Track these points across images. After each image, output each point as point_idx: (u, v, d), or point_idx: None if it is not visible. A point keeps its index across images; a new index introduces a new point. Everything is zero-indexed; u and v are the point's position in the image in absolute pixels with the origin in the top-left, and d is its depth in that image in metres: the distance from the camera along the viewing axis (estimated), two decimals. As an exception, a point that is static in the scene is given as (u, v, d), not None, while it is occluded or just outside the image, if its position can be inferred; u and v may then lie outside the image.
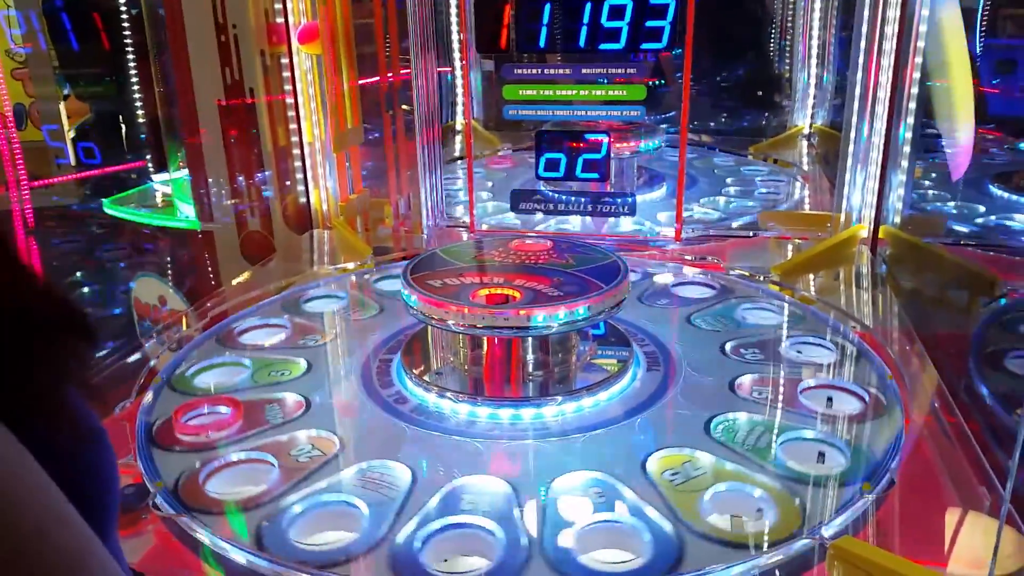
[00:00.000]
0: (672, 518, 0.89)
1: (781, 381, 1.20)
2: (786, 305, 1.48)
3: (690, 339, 1.34)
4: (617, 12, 1.56)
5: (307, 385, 1.22)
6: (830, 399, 1.15)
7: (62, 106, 2.67)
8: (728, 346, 1.30)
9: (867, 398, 1.14)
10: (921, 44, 1.62)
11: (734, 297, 1.51)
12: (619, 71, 1.65)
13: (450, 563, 0.85)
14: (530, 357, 1.19)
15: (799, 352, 1.29)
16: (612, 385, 1.16)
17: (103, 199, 2.44)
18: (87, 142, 2.65)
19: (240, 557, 0.86)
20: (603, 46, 1.60)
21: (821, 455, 1.01)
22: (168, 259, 2.34)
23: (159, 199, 2.47)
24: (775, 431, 1.05)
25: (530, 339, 1.17)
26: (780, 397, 1.16)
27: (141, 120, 2.47)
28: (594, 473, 0.98)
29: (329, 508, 0.94)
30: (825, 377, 1.20)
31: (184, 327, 1.47)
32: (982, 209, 1.95)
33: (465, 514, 0.91)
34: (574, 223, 1.92)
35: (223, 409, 1.13)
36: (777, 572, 0.83)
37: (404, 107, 1.92)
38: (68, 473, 0.32)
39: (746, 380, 1.19)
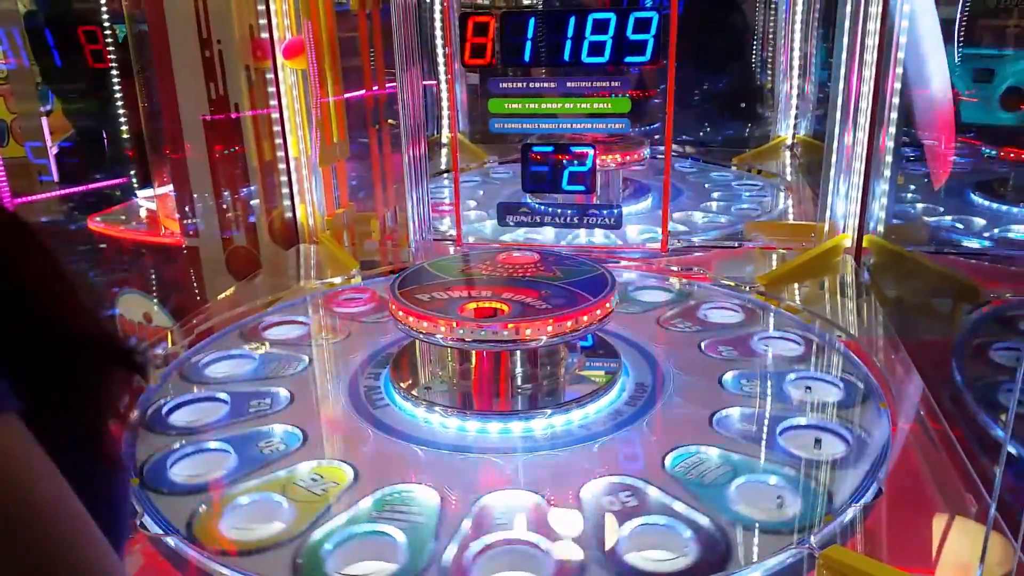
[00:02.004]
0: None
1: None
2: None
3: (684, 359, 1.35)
4: (601, 26, 1.57)
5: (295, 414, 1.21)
6: (819, 441, 1.09)
7: (44, 122, 2.66)
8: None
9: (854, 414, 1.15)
10: (901, 55, 1.64)
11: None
12: (604, 84, 1.66)
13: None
14: (519, 370, 1.20)
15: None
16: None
17: (87, 215, 2.42)
18: (71, 158, 2.63)
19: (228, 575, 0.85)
20: (587, 59, 1.61)
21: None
22: (152, 275, 2.33)
23: (143, 215, 2.45)
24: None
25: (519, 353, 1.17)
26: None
27: (125, 136, 2.46)
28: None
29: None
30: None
31: (170, 344, 1.46)
32: (964, 217, 1.97)
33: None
34: (547, 235, 1.92)
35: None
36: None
37: (390, 121, 1.92)
38: (98, 503, 0.32)
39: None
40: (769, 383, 1.23)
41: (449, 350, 1.20)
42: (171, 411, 1.19)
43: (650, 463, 1.02)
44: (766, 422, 1.12)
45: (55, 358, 0.34)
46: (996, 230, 1.90)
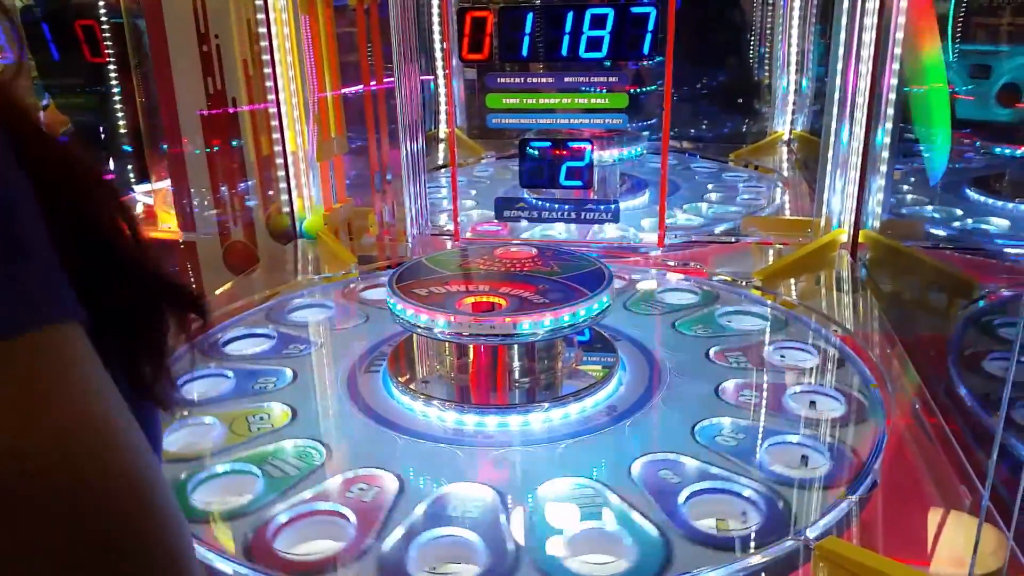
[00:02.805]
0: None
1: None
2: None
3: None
4: (599, 21, 1.58)
5: (292, 394, 1.22)
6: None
7: (41, 116, 2.65)
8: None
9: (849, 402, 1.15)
10: (898, 50, 1.64)
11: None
12: (601, 79, 1.66)
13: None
14: (516, 364, 1.20)
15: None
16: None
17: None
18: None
19: (228, 568, 0.85)
20: (585, 55, 1.61)
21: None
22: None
23: (140, 209, 2.45)
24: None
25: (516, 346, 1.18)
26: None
27: (123, 131, 2.46)
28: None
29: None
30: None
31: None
32: (960, 213, 1.98)
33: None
34: (556, 230, 1.93)
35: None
36: (763, 574, 0.84)
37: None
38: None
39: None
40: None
41: (446, 344, 1.21)
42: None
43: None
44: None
45: (119, 286, 0.36)
46: (991, 225, 1.91)
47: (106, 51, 2.35)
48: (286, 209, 1.98)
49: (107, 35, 2.33)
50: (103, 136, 2.58)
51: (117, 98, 2.42)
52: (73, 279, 0.31)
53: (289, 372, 1.29)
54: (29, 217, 0.30)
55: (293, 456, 1.05)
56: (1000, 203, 1.99)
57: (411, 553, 0.87)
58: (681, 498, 0.94)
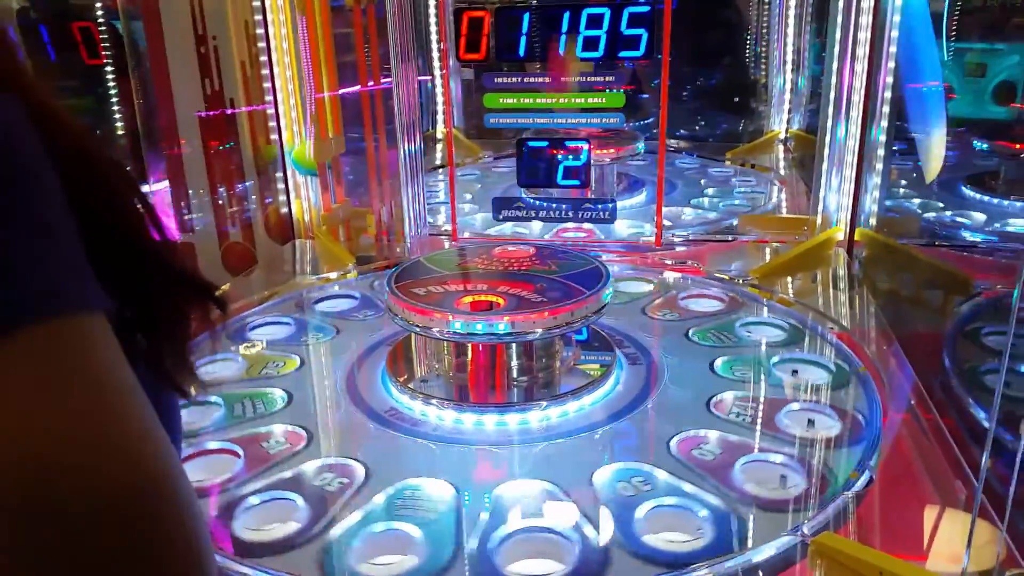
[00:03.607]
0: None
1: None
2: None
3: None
4: (595, 21, 1.58)
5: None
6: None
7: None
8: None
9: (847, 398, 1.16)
10: (893, 49, 1.65)
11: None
12: (598, 79, 1.67)
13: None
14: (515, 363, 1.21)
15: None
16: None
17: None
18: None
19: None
20: (582, 54, 1.61)
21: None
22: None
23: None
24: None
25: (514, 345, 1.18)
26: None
27: (120, 132, 2.46)
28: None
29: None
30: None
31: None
32: (955, 210, 1.99)
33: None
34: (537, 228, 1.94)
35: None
36: (761, 570, 0.85)
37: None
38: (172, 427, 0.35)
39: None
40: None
41: (445, 343, 1.22)
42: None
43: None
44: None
45: (143, 277, 0.37)
46: (989, 223, 1.92)
47: (103, 53, 2.35)
48: (284, 210, 1.98)
49: (104, 37, 2.33)
50: (100, 138, 2.58)
51: (114, 100, 2.42)
52: (99, 270, 0.31)
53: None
54: (56, 204, 0.30)
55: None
56: (995, 200, 2.00)
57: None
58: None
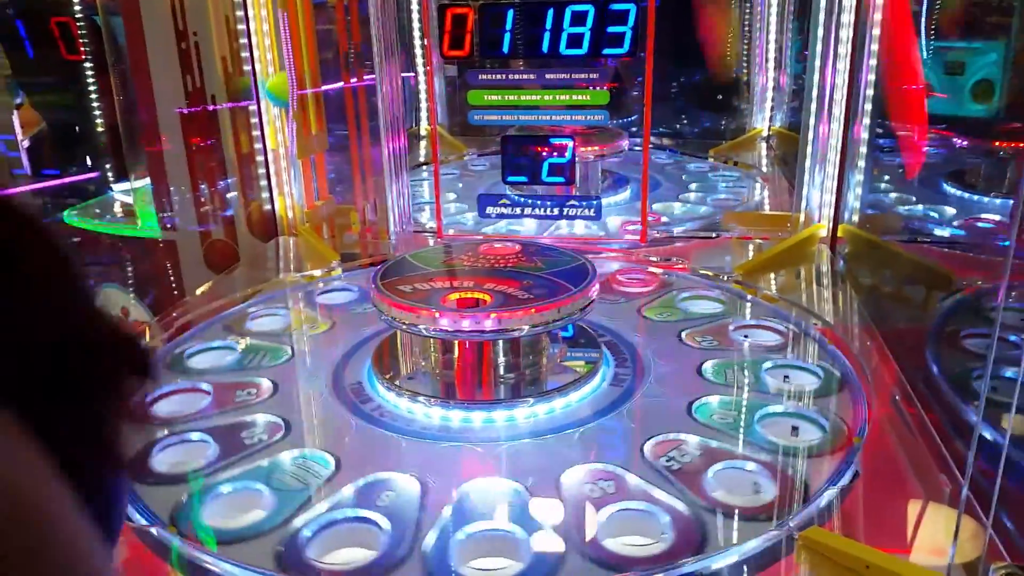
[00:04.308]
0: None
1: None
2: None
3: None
4: (579, 18, 1.58)
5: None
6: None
7: (15, 115, 2.61)
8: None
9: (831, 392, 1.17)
10: (875, 47, 1.66)
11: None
12: (582, 76, 1.67)
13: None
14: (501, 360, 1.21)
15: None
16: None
17: (62, 210, 2.39)
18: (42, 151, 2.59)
19: (212, 566, 0.85)
20: (566, 51, 1.61)
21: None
22: (130, 269, 2.31)
23: (119, 209, 2.43)
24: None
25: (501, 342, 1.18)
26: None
27: (100, 129, 2.43)
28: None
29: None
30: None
31: (147, 338, 1.46)
32: (936, 207, 2.01)
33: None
34: (528, 226, 1.94)
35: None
36: (746, 565, 0.85)
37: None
38: (94, 501, 0.33)
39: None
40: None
41: (431, 340, 1.21)
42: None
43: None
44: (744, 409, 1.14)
45: (62, 352, 0.33)
46: (969, 219, 1.94)
47: (82, 49, 2.32)
48: (267, 206, 1.97)
49: (83, 32, 2.31)
50: (78, 134, 2.55)
51: (94, 96, 2.40)
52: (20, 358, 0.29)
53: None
54: None
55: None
56: (976, 197, 2.02)
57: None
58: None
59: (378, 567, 0.85)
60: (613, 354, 1.29)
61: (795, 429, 1.08)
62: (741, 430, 1.08)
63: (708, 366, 1.25)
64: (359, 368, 1.27)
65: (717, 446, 1.04)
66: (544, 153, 1.72)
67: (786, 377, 1.22)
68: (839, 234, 1.78)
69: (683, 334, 1.37)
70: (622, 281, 1.63)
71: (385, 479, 0.99)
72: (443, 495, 0.96)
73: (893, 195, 2.11)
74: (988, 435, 0.92)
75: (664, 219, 2.08)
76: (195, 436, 1.10)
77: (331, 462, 1.02)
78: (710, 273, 1.65)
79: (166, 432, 1.10)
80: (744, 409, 1.13)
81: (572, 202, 1.78)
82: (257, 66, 1.87)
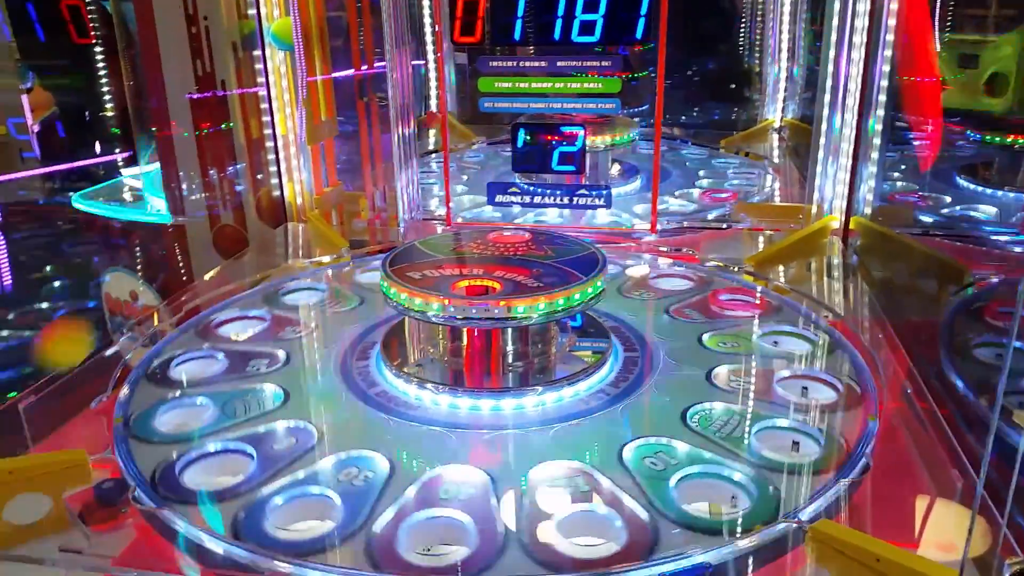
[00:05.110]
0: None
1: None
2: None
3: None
4: (592, 5, 1.57)
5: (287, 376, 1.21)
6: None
7: (25, 99, 2.61)
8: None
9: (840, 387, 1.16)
10: (891, 37, 1.64)
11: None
12: (594, 63, 1.66)
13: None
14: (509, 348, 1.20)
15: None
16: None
17: (71, 193, 2.40)
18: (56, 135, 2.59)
19: (219, 548, 0.85)
20: (578, 38, 1.60)
21: (796, 444, 1.01)
22: (139, 254, 2.31)
23: (128, 193, 2.43)
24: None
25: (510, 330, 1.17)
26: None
27: (110, 114, 2.43)
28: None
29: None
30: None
31: (156, 322, 1.46)
32: (949, 200, 1.99)
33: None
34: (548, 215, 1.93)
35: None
36: (752, 556, 0.84)
37: (379, 95, 1.90)
38: None
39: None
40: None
41: (440, 327, 1.21)
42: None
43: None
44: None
45: None
46: (980, 212, 1.92)
47: (92, 32, 2.32)
48: (276, 192, 1.97)
49: (93, 16, 2.30)
50: (88, 118, 2.55)
51: (104, 80, 2.39)
52: None
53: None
54: None
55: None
56: (989, 191, 2.01)
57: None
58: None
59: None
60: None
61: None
62: (744, 441, 1.07)
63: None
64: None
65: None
66: (554, 142, 1.71)
67: (804, 388, 1.18)
68: (851, 226, 1.76)
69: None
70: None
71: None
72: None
73: (906, 188, 2.09)
74: (1002, 431, 0.91)
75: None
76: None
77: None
78: (721, 264, 1.64)
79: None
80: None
81: (582, 191, 1.77)
82: (267, 51, 1.86)
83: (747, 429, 1.05)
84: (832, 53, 1.71)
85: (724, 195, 2.16)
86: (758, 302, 1.46)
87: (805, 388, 1.16)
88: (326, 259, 1.75)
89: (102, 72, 2.37)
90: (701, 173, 2.38)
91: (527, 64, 1.72)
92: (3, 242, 2.23)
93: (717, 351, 1.27)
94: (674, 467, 0.97)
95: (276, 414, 1.11)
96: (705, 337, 1.31)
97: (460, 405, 1.12)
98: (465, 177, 2.35)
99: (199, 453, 1.02)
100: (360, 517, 0.89)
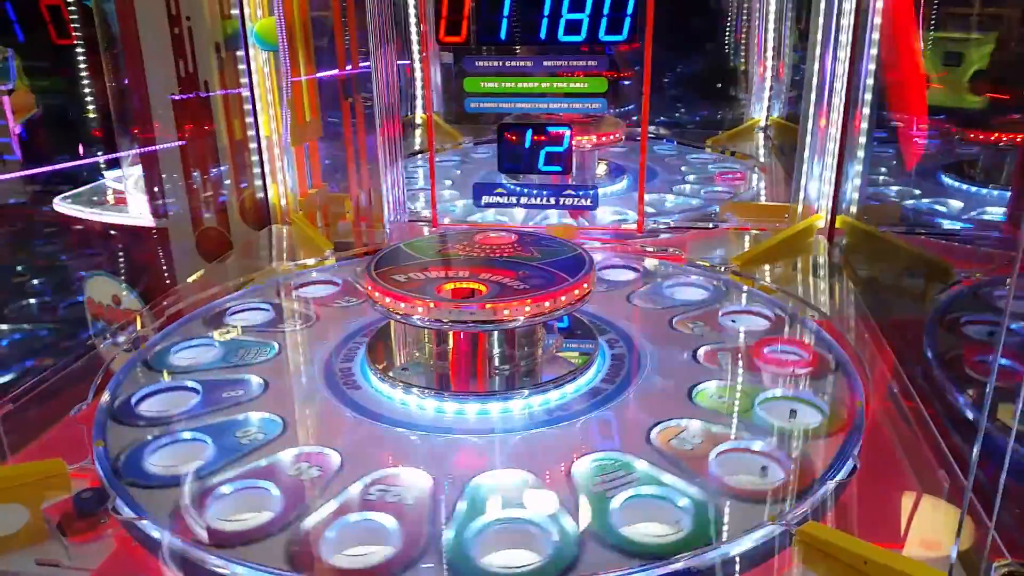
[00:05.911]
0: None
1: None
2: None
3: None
4: (578, 4, 1.56)
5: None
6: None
7: (6, 100, 2.58)
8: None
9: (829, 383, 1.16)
10: (876, 36, 1.65)
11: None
12: (580, 63, 1.65)
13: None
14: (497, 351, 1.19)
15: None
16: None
17: (53, 196, 2.37)
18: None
19: (199, 558, 0.84)
20: (564, 38, 1.59)
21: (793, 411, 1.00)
22: (121, 257, 2.28)
23: (110, 196, 2.40)
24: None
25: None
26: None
27: (92, 115, 2.40)
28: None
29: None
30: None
31: (139, 327, 1.44)
32: (934, 198, 2.00)
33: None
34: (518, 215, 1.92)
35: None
36: (738, 559, 0.84)
37: (363, 95, 1.89)
38: None
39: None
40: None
41: (425, 331, 1.20)
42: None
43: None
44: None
45: None
46: (967, 212, 1.93)
47: (73, 33, 2.29)
48: (260, 195, 1.95)
49: (74, 16, 2.28)
50: (69, 120, 2.52)
51: (86, 81, 2.37)
52: None
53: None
54: None
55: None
56: (973, 189, 2.01)
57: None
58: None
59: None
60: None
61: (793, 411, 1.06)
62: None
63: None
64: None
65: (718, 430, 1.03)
66: (541, 142, 1.70)
67: (793, 411, 1.14)
68: (837, 225, 1.77)
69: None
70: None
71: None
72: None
73: (892, 187, 2.10)
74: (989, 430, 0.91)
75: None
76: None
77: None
78: (707, 264, 1.64)
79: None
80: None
81: (568, 191, 1.76)
82: (251, 51, 1.85)
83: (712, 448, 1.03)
84: (818, 52, 1.71)
85: (711, 194, 2.17)
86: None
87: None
88: (311, 261, 1.74)
89: (84, 73, 2.34)
90: (687, 173, 2.38)
91: (513, 64, 1.71)
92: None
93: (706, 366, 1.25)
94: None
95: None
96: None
97: (426, 407, 1.12)
98: (449, 182, 2.34)
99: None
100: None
